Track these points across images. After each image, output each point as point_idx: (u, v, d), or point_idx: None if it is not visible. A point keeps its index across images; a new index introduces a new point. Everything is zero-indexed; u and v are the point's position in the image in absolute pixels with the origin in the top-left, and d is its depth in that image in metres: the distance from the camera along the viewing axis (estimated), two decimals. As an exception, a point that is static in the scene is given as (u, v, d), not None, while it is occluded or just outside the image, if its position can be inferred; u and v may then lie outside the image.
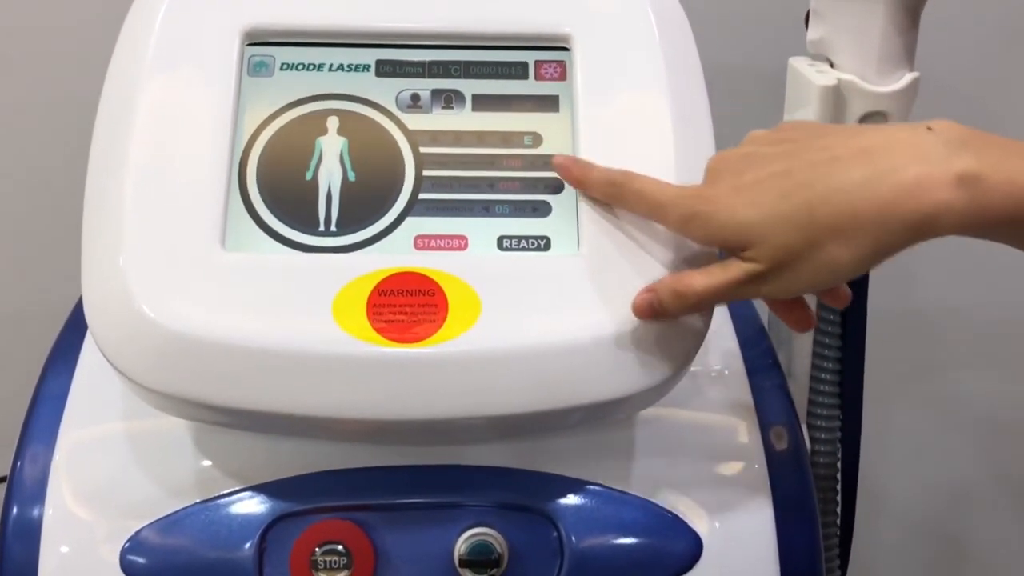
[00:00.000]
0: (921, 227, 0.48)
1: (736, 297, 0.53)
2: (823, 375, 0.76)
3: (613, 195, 0.57)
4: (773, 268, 0.50)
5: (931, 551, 1.21)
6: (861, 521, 0.82)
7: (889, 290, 0.91)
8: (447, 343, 0.53)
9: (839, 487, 0.79)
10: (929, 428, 1.16)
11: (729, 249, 0.52)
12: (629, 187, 0.56)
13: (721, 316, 0.72)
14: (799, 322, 0.57)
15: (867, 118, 0.68)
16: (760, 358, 0.69)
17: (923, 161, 0.48)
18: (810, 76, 0.68)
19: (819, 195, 0.49)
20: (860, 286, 0.75)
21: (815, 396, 0.77)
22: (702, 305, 0.53)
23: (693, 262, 0.56)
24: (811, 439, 0.77)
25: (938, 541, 1.21)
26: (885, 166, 0.48)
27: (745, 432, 0.65)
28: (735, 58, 0.93)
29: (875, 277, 0.75)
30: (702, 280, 0.53)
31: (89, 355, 0.66)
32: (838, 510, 0.79)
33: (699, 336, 0.57)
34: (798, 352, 0.76)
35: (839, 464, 0.78)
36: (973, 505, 1.19)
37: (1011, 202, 0.47)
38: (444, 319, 0.54)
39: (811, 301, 0.59)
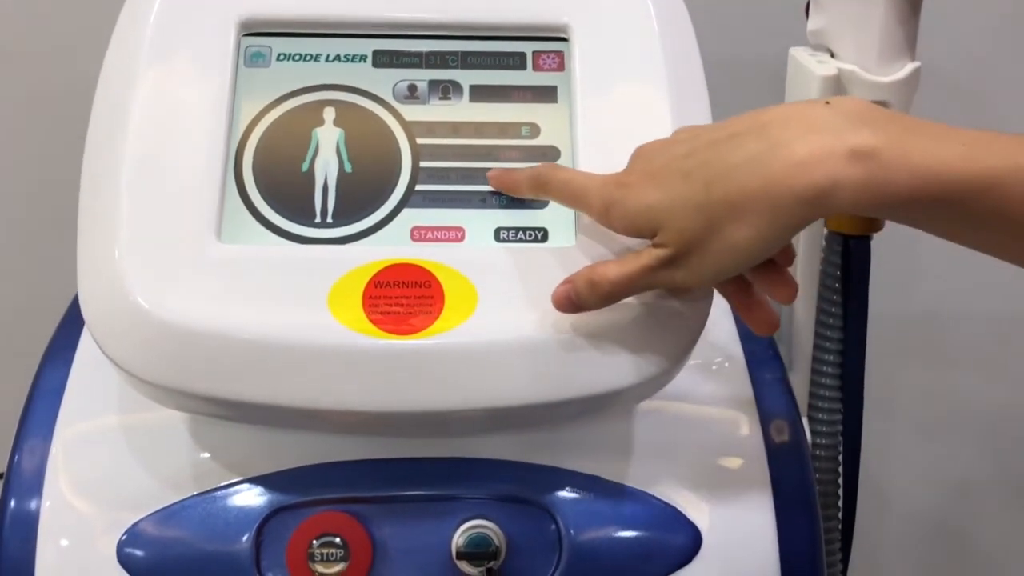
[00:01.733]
0: (814, 201, 0.46)
1: (651, 285, 0.52)
2: (824, 368, 0.76)
3: (538, 187, 0.56)
4: (680, 253, 0.50)
5: (934, 545, 1.21)
6: (863, 515, 0.82)
7: (891, 281, 0.91)
8: (443, 335, 0.53)
9: (840, 480, 0.79)
10: (932, 421, 1.16)
11: (643, 236, 0.52)
12: (552, 176, 0.55)
13: (721, 309, 0.72)
14: (761, 323, 0.55)
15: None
16: (761, 350, 0.69)
17: (816, 133, 0.47)
18: (811, 66, 0.68)
19: (715, 173, 0.49)
20: (861, 277, 0.75)
21: (816, 389, 0.77)
22: (616, 294, 0.53)
23: None
24: (812, 432, 0.77)
25: (941, 535, 1.21)
26: (776, 139, 0.47)
27: (745, 425, 0.65)
28: (735, 48, 0.93)
29: (878, 269, 0.75)
30: (615, 268, 0.52)
31: (86, 349, 0.66)
32: (839, 503, 0.79)
33: (697, 328, 0.57)
34: (799, 344, 0.76)
35: (840, 458, 0.78)
36: (977, 499, 1.19)
37: (911, 179, 0.46)
38: (440, 311, 0.54)
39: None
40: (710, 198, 0.48)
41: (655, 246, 0.51)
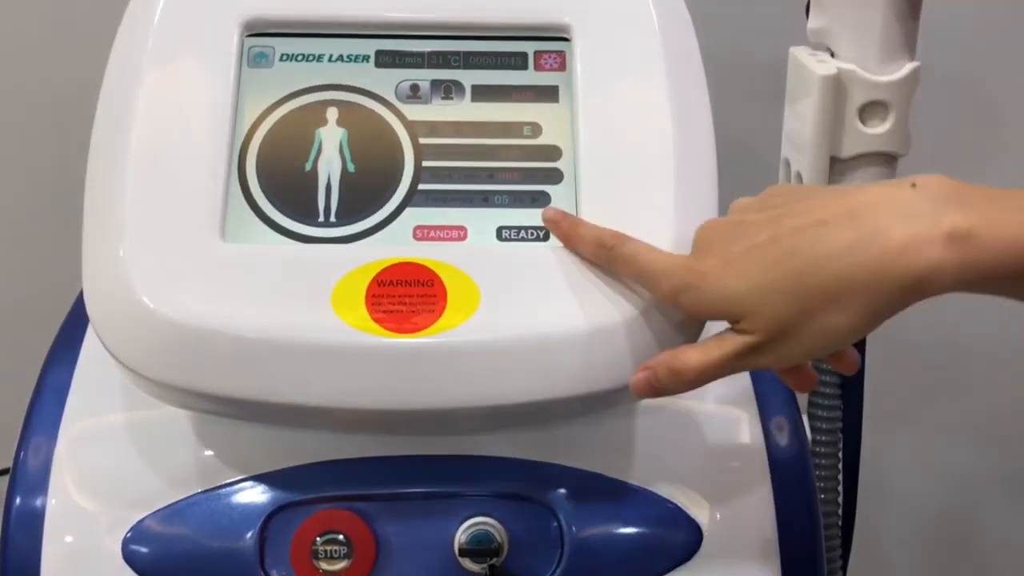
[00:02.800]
0: (915, 288, 0.47)
1: (735, 371, 0.52)
2: (824, 365, 0.76)
3: (603, 257, 0.55)
4: (769, 339, 0.50)
5: (935, 541, 1.21)
6: (864, 512, 0.82)
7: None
8: (446, 333, 0.54)
9: (840, 478, 0.79)
10: (933, 417, 1.17)
11: (721, 320, 0.52)
12: (620, 251, 0.55)
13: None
14: (803, 383, 0.56)
15: (868, 107, 0.68)
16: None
17: (910, 220, 0.47)
18: (811, 66, 0.68)
19: (807, 262, 0.48)
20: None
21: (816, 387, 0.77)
22: (700, 381, 0.52)
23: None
24: (812, 430, 0.77)
25: (942, 531, 1.21)
26: (871, 228, 0.47)
27: (746, 423, 0.65)
28: (735, 47, 0.93)
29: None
30: (697, 357, 0.52)
31: (91, 346, 0.66)
32: (839, 500, 0.79)
33: (698, 325, 0.57)
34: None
35: (840, 455, 0.78)
36: (978, 494, 1.19)
37: (1005, 257, 0.46)
38: (443, 309, 0.54)
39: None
40: (804, 287, 0.48)
41: (739, 332, 0.51)
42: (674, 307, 0.53)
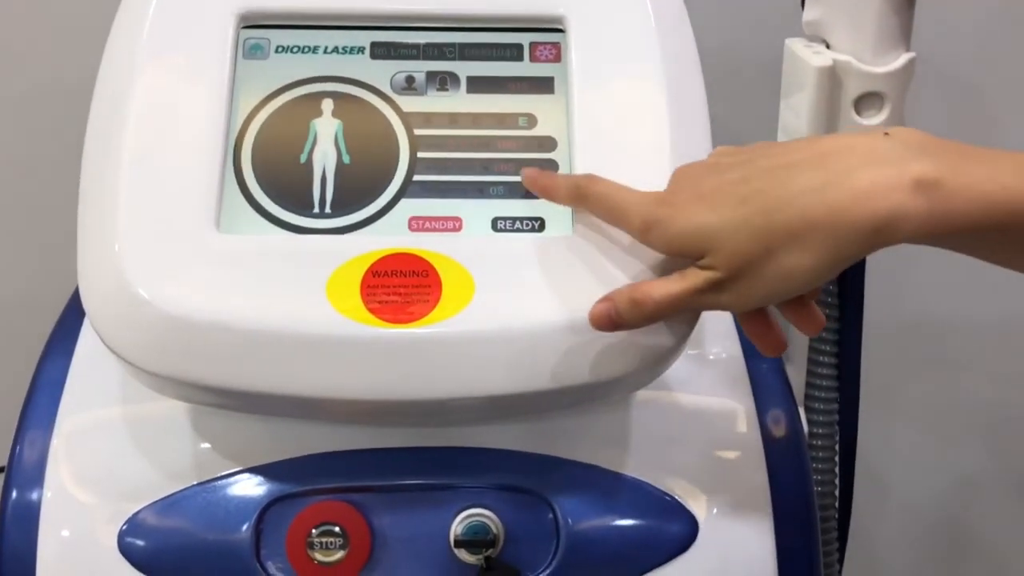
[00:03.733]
0: (878, 232, 0.47)
1: (695, 306, 0.52)
2: (821, 358, 0.76)
3: (577, 198, 0.56)
4: (731, 275, 0.50)
5: (932, 536, 1.21)
6: (860, 506, 0.82)
7: (889, 271, 0.91)
8: (441, 323, 0.54)
9: (837, 471, 0.79)
10: (931, 411, 1.17)
11: (687, 256, 0.52)
12: (592, 189, 0.55)
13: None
14: (771, 345, 0.55)
15: (864, 99, 0.68)
16: (757, 341, 0.70)
17: (879, 166, 0.47)
18: (806, 57, 0.68)
19: (774, 200, 0.48)
20: (857, 267, 0.75)
21: (813, 379, 0.77)
22: (660, 314, 0.52)
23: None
24: (809, 423, 0.77)
25: (940, 526, 1.21)
26: (839, 170, 0.47)
27: (742, 415, 0.65)
28: (731, 39, 0.93)
29: (875, 259, 0.75)
30: (660, 288, 0.52)
31: (87, 340, 0.66)
32: (836, 493, 0.80)
33: (693, 316, 0.57)
34: (796, 335, 0.77)
35: (837, 447, 0.79)
36: (976, 490, 1.19)
37: (970, 208, 0.46)
38: (438, 300, 0.54)
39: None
40: (769, 224, 0.48)
41: (702, 267, 0.51)
42: (644, 243, 0.53)
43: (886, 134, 0.48)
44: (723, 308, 0.52)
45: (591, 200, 0.55)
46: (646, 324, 0.53)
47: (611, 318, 0.53)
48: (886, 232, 0.47)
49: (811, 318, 0.54)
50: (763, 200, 0.49)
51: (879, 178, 0.46)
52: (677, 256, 0.53)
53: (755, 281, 0.49)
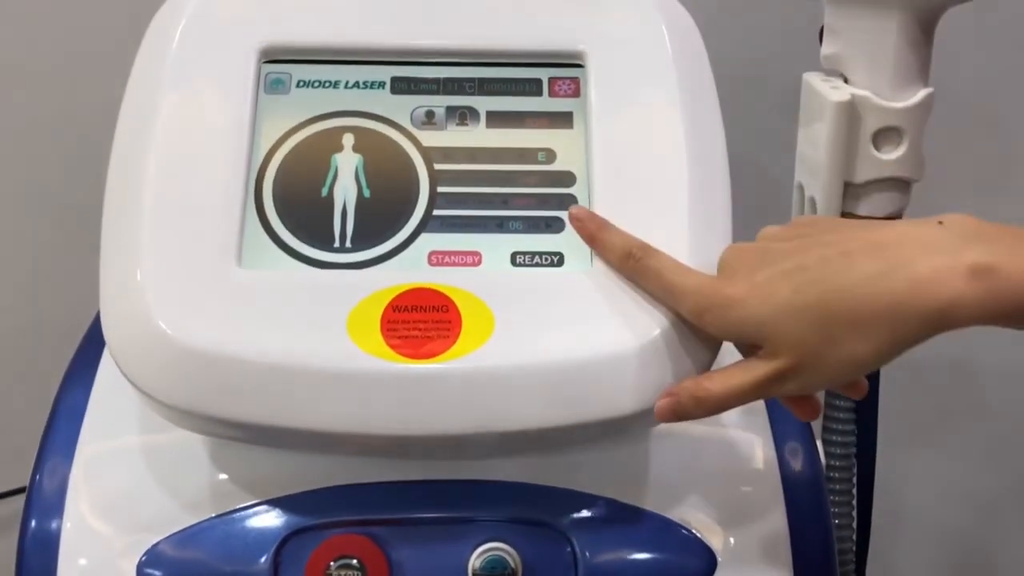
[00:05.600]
0: (937, 320, 0.48)
1: (758, 397, 0.53)
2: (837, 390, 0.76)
3: (628, 267, 0.56)
4: (792, 365, 0.51)
5: (952, 567, 1.20)
6: (880, 537, 0.82)
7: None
8: (461, 359, 0.54)
9: (855, 503, 0.79)
10: (949, 438, 1.16)
11: (742, 343, 0.53)
12: (646, 263, 0.55)
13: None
14: (807, 412, 0.56)
15: (881, 133, 0.68)
16: (775, 373, 0.69)
17: (935, 254, 0.48)
18: (824, 92, 0.68)
19: (832, 290, 0.49)
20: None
21: (830, 411, 0.77)
22: (721, 408, 0.54)
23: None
24: (826, 454, 0.77)
25: (959, 556, 1.20)
26: (897, 260, 0.49)
27: (760, 448, 0.65)
28: (749, 72, 0.93)
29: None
30: (720, 385, 0.53)
31: (107, 369, 0.67)
32: (854, 525, 0.79)
33: (713, 350, 0.57)
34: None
35: (855, 479, 0.78)
36: (997, 518, 1.18)
37: None
38: (458, 335, 0.55)
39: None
40: (830, 313, 0.49)
41: (762, 358, 0.52)
42: (697, 326, 0.54)
43: (940, 223, 0.49)
44: (786, 395, 0.53)
45: (644, 274, 0.56)
46: (710, 415, 0.54)
47: (676, 412, 0.54)
48: (946, 319, 0.48)
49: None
50: (820, 289, 0.50)
51: (935, 267, 0.48)
52: (730, 341, 0.54)
53: (819, 369, 0.50)
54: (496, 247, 0.58)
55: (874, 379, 0.76)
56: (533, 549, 0.60)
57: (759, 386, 0.52)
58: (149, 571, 0.59)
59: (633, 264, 0.56)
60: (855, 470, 0.78)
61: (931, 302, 0.48)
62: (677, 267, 0.55)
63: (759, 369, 0.52)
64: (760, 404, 0.67)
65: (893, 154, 0.68)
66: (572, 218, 0.58)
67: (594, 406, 0.55)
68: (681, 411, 0.54)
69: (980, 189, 1.00)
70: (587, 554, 0.60)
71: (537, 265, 0.58)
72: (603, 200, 0.59)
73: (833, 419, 0.77)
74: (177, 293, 0.55)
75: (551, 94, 0.63)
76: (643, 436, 0.64)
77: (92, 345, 0.69)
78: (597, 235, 0.57)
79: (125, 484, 0.62)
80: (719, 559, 0.61)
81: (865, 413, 0.77)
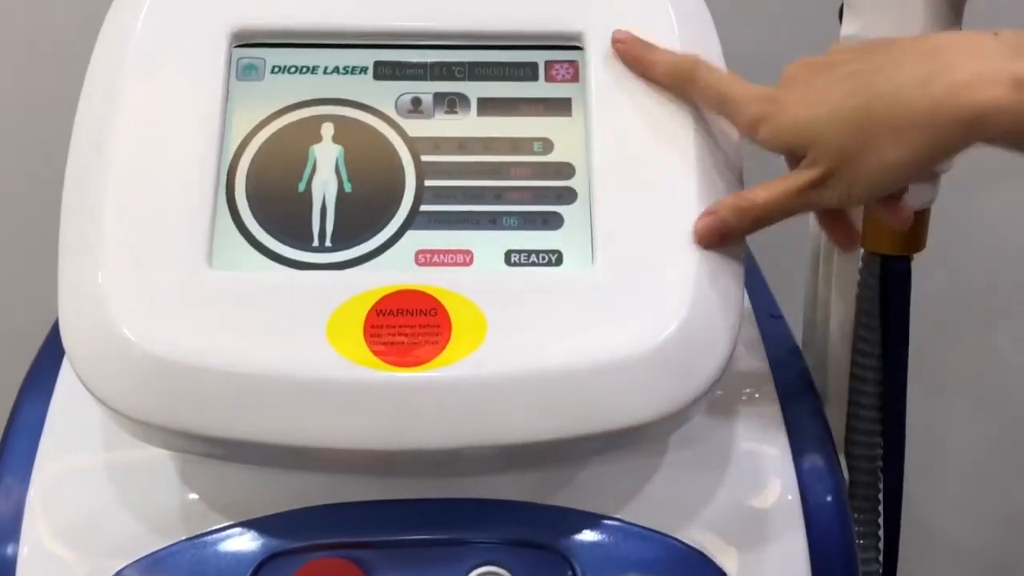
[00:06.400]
0: (971, 124, 0.51)
1: (800, 206, 0.56)
2: (862, 399, 0.76)
3: (680, 80, 0.60)
4: (831, 170, 0.54)
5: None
6: (906, 557, 0.82)
7: (934, 305, 0.91)
8: (450, 366, 0.54)
9: (881, 521, 0.79)
10: (980, 453, 1.16)
11: (793, 153, 0.57)
12: (699, 74, 0.59)
13: (751, 335, 0.72)
14: (844, 239, 0.61)
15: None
16: (793, 380, 0.70)
17: (981, 60, 0.51)
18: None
19: (877, 95, 0.53)
20: (901, 300, 0.75)
21: (854, 422, 0.77)
22: (767, 217, 0.57)
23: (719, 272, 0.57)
24: (849, 469, 0.77)
25: (992, 573, 1.20)
26: (943, 64, 0.52)
27: (777, 462, 0.65)
28: (761, 54, 0.93)
29: (919, 291, 0.75)
30: (764, 192, 0.57)
31: (66, 381, 0.66)
32: (880, 546, 0.79)
33: (725, 355, 0.57)
34: (835, 373, 0.77)
35: (880, 496, 0.78)
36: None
37: None
38: (447, 340, 0.54)
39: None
40: (869, 116, 0.53)
41: (805, 166, 0.55)
42: (750, 137, 0.58)
43: (996, 34, 0.52)
44: (827, 206, 0.57)
45: (698, 87, 0.59)
46: (753, 230, 0.58)
47: (717, 228, 0.57)
48: (979, 124, 0.51)
49: (902, 213, 0.59)
50: (867, 93, 0.53)
51: (978, 71, 0.51)
52: (783, 152, 0.58)
53: (856, 174, 0.54)
54: (489, 245, 0.58)
55: (900, 391, 0.76)
56: (530, 572, 0.60)
57: (800, 192, 0.55)
58: (113, 600, 0.59)
59: (687, 77, 0.59)
60: (881, 486, 0.78)
61: (967, 106, 0.51)
62: (733, 78, 0.59)
63: (801, 176, 0.55)
64: (777, 415, 0.67)
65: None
66: (615, 42, 0.61)
67: (596, 417, 0.55)
68: (724, 228, 0.57)
69: (1013, 177, 1.00)
70: (589, 578, 0.60)
71: (533, 264, 0.58)
72: (604, 194, 0.59)
73: (857, 430, 0.76)
74: (142, 297, 0.55)
75: (548, 79, 0.63)
76: (650, 450, 0.63)
77: (50, 354, 0.69)
78: (643, 56, 0.60)
79: (87, 505, 0.62)
80: (733, 583, 0.61)
81: (892, 423, 0.77)
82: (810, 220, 0.76)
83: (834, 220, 0.61)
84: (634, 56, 0.61)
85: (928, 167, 0.54)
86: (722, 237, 0.57)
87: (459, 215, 0.59)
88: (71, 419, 0.65)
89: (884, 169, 0.53)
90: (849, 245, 0.62)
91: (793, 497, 0.64)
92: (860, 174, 0.54)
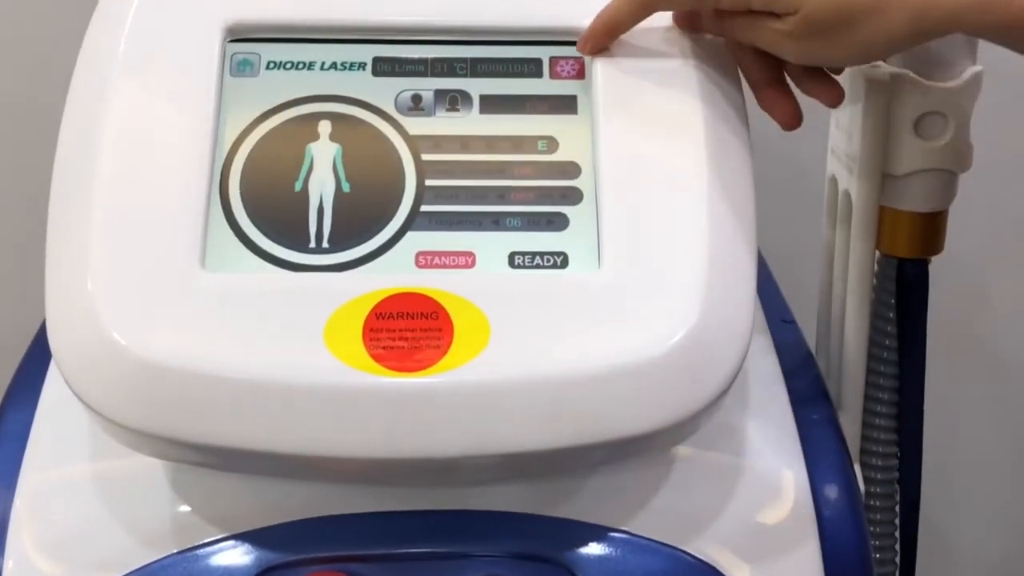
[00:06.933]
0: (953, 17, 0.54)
1: (758, 39, 0.60)
2: (878, 407, 0.76)
3: None
4: (801, 31, 0.57)
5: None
6: (924, 570, 0.82)
7: (951, 309, 0.91)
8: (452, 372, 0.54)
9: (898, 534, 0.79)
10: (1000, 462, 1.16)
11: (775, 6, 0.58)
12: None
13: (763, 342, 0.72)
14: (786, 115, 0.62)
15: (924, 118, 0.68)
16: (807, 388, 0.70)
17: None
18: (861, 70, 0.69)
19: None
20: (918, 305, 0.75)
21: (869, 431, 0.77)
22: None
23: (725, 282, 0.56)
24: (865, 479, 0.77)
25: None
26: None
27: (790, 472, 0.65)
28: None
29: (936, 295, 0.76)
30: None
31: (52, 388, 0.67)
32: (897, 560, 0.79)
33: (736, 362, 0.57)
34: (849, 380, 0.77)
35: (897, 508, 0.78)
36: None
37: None
38: (449, 345, 0.55)
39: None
40: None
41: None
42: None
43: None
44: (787, 56, 0.60)
45: None
46: (646, 15, 0.61)
47: (606, 21, 0.61)
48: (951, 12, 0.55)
49: (834, 89, 0.63)
50: None
51: None
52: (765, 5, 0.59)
53: (826, 42, 0.58)
54: (492, 247, 0.58)
55: (918, 398, 0.77)
56: (535, 587, 0.60)
57: (762, 30, 0.59)
58: (102, 615, 0.60)
59: None
60: (898, 496, 0.78)
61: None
62: None
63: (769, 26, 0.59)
64: (791, 425, 0.67)
65: (938, 141, 0.69)
66: (581, 47, 0.62)
67: (603, 425, 0.55)
68: (614, 18, 0.61)
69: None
70: (596, 592, 0.60)
71: (538, 267, 0.58)
72: (610, 194, 0.59)
73: (872, 439, 0.77)
74: (133, 300, 0.55)
75: (552, 76, 0.63)
76: (658, 459, 0.64)
77: (37, 357, 0.69)
78: (599, 26, 0.61)
79: (75, 517, 0.62)
80: (745, 598, 0.62)
81: (909, 434, 0.77)
82: (824, 208, 0.77)
83: (775, 92, 0.63)
84: (597, 35, 0.62)
85: (898, 49, 0.59)
86: (611, 29, 0.60)
87: (461, 216, 0.59)
88: (58, 427, 0.65)
89: (859, 46, 0.57)
90: (792, 121, 0.63)
91: (807, 509, 0.64)
92: (833, 44, 0.58)
